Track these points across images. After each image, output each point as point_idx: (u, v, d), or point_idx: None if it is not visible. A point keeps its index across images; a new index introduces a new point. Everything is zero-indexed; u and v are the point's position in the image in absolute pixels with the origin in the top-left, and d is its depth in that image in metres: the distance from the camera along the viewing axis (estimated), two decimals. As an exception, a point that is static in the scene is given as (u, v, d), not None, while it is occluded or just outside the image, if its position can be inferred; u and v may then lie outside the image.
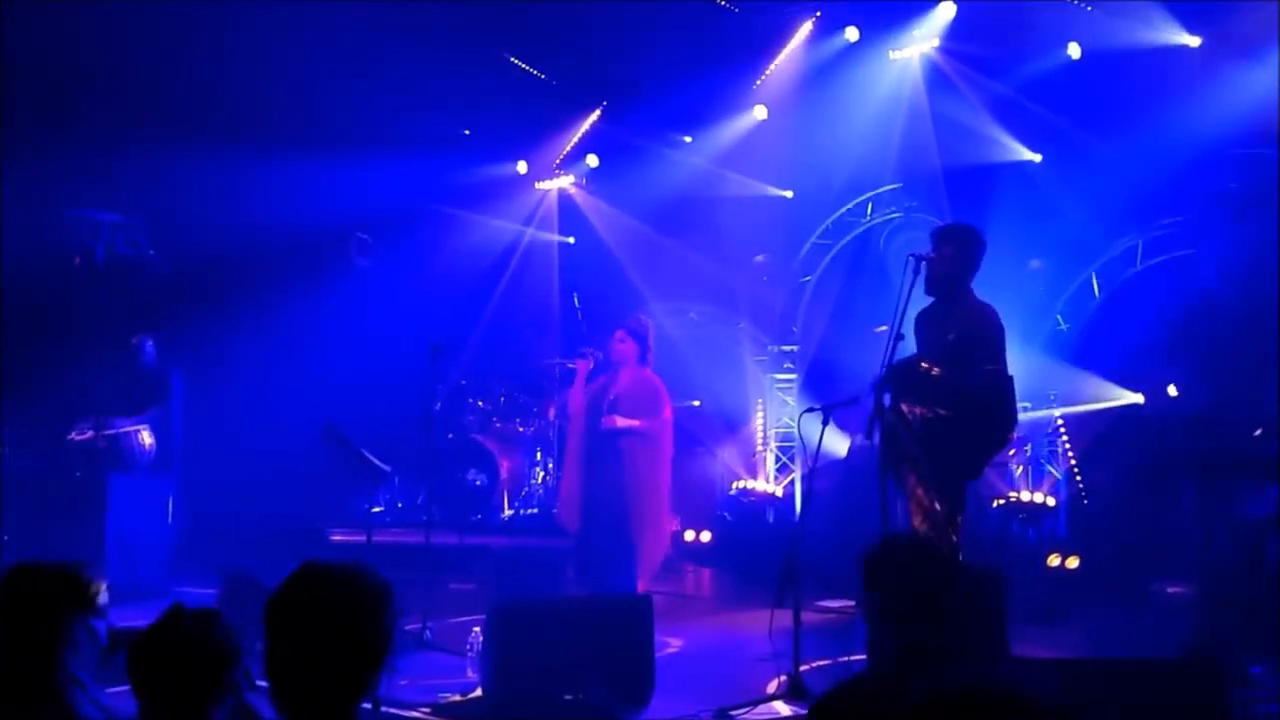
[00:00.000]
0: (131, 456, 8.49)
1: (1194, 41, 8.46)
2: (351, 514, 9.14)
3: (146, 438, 8.56)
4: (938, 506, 5.44)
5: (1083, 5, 8.71)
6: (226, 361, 9.46)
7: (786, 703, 5.26)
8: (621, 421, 7.15)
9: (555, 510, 9.63)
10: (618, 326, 7.44)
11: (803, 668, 5.35)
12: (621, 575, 6.96)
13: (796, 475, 10.41)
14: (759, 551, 8.83)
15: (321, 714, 2.08)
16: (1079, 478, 8.88)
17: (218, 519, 8.71)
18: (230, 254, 9.61)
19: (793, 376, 10.91)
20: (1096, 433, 8.97)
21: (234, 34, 8.99)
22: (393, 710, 5.25)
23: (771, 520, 10.09)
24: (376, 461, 6.73)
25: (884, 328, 5.81)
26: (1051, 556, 8.10)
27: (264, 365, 9.67)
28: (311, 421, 7.06)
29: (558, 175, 11.77)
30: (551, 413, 10.54)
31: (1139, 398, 9.02)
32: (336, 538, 9.01)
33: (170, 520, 8.64)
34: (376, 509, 9.69)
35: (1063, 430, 9.00)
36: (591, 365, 7.41)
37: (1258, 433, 5.71)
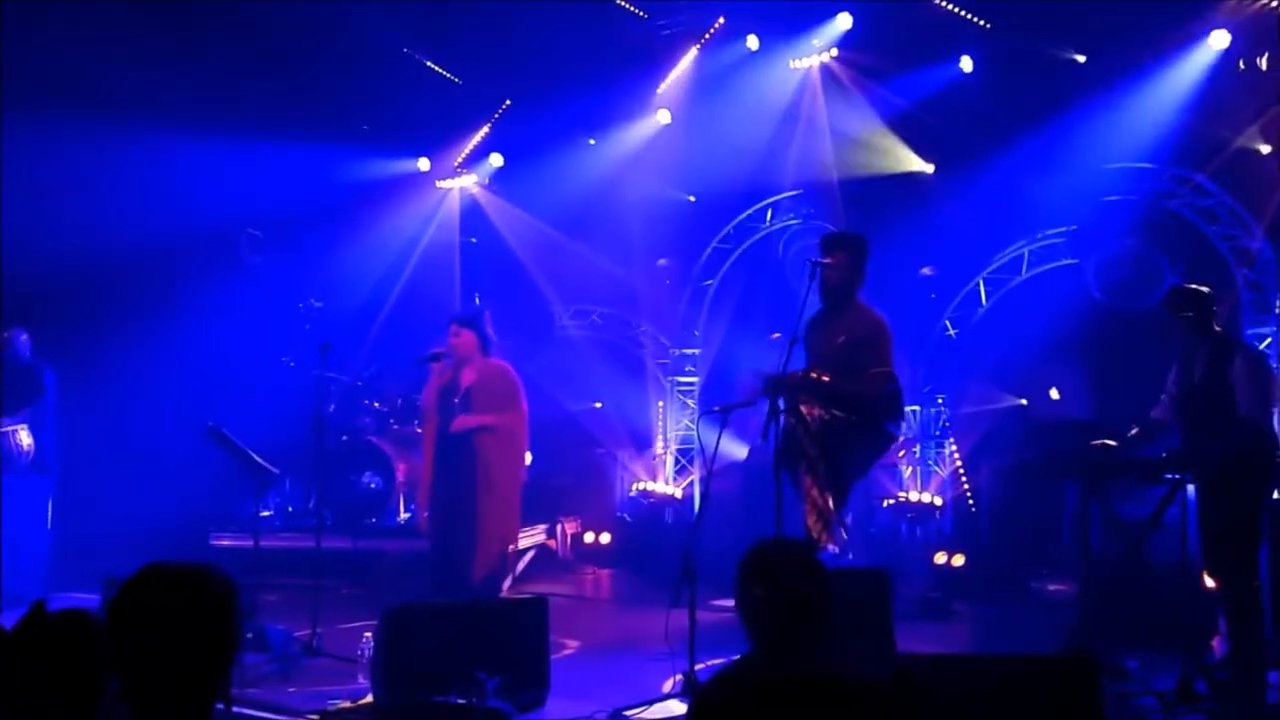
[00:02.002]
0: (8, 457, 8.16)
1: (1080, 58, 8.79)
2: (239, 518, 8.88)
3: (24, 438, 8.23)
4: (831, 505, 5.59)
5: (976, 19, 8.97)
6: (108, 360, 9.09)
7: (681, 701, 5.29)
8: (471, 420, 6.62)
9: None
10: (450, 320, 6.80)
11: (698, 666, 5.38)
12: (461, 574, 6.57)
13: (696, 477, 10.48)
14: (658, 552, 8.86)
15: (170, 715, 2.07)
16: (964, 478, 9.14)
17: (99, 523, 8.40)
18: (112, 248, 9.21)
19: (694, 379, 11.00)
20: (981, 435, 9.26)
21: (133, 17, 8.67)
22: (282, 718, 5.14)
23: (670, 521, 10.15)
24: (263, 463, 6.54)
25: (778, 335, 5.90)
26: (938, 554, 8.33)
27: (147, 364, 9.30)
28: (197, 422, 6.83)
29: (460, 174, 11.64)
30: None
31: (1023, 401, 9.33)
32: (223, 542, 8.75)
33: (49, 524, 8.33)
34: (265, 513, 9.45)
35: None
36: (444, 363, 6.82)
37: (1133, 432, 5.90)
